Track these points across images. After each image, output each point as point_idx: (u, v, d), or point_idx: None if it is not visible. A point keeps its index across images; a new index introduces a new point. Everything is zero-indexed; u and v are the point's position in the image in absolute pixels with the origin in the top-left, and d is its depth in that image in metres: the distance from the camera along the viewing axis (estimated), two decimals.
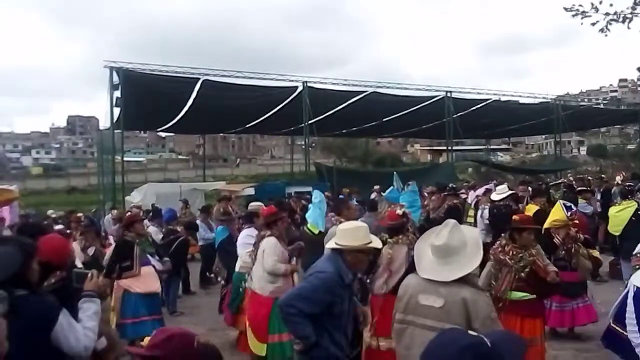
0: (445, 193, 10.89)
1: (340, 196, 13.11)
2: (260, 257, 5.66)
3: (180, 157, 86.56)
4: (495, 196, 9.68)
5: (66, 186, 52.66)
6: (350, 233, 3.73)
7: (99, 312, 2.97)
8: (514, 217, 5.40)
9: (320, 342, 3.53)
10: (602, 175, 19.48)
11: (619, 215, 8.31)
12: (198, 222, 11.13)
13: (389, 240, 5.43)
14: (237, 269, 6.66)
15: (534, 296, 4.93)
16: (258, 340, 5.51)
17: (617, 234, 8.25)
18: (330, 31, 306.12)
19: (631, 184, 10.69)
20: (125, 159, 23.50)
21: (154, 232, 9.86)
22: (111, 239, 9.21)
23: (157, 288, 6.73)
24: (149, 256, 6.75)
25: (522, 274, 4.88)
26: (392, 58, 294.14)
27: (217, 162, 71.90)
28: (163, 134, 78.19)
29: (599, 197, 12.09)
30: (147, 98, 19.00)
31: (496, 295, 4.82)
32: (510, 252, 4.97)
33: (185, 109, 21.47)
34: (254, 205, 7.98)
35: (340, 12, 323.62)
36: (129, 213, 9.00)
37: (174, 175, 52.56)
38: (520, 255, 4.95)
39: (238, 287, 6.52)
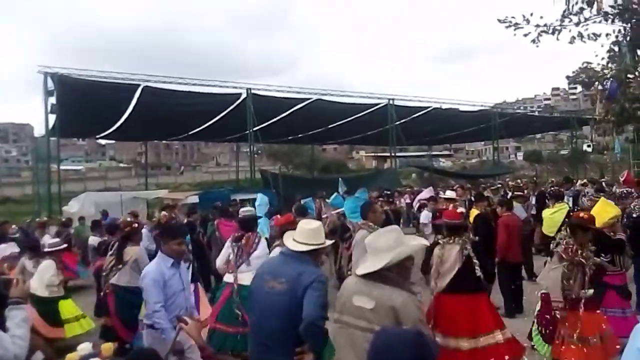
0: (380, 199, 11.04)
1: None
2: None
3: (121, 165, 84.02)
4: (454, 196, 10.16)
5: None
6: (316, 232, 3.71)
7: (27, 319, 2.83)
8: (581, 215, 5.25)
9: None
10: (536, 180, 20.36)
11: (554, 217, 8.62)
12: (144, 231, 10.79)
13: (441, 240, 5.51)
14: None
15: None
16: None
17: (552, 234, 8.53)
18: (275, 38, 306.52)
19: (559, 187, 11.19)
20: (62, 167, 22.59)
21: (95, 242, 9.51)
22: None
23: None
24: None
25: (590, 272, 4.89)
26: (337, 66, 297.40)
27: (160, 170, 70.29)
28: (103, 142, 75.81)
29: (533, 200, 12.57)
30: (84, 104, 18.44)
31: (571, 296, 4.82)
32: (578, 252, 4.95)
33: (125, 115, 20.95)
34: (247, 210, 7.52)
35: (285, 19, 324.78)
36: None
37: (115, 184, 50.83)
38: (588, 253, 4.95)
39: None
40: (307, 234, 3.67)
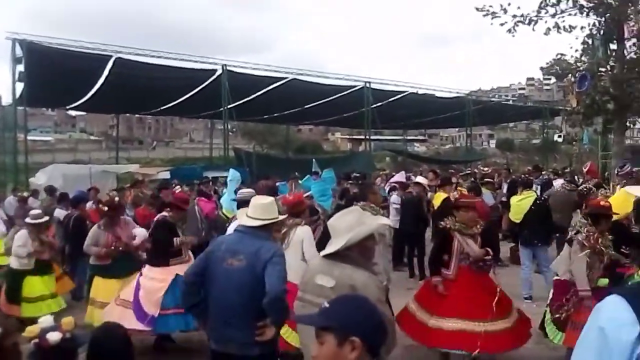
0: (350, 182, 11.04)
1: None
2: (297, 247, 5.32)
3: (92, 137, 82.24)
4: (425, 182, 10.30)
5: None
6: (269, 207, 3.76)
7: None
8: (602, 203, 5.12)
9: None
10: (509, 168, 20.74)
11: (520, 204, 8.77)
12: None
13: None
14: None
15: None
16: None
17: (518, 221, 8.71)
18: (254, 16, 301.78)
19: (529, 175, 11.39)
20: (29, 137, 22.03)
21: (61, 215, 9.32)
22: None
23: None
24: None
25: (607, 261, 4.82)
26: (314, 47, 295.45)
27: (132, 144, 69.06)
28: (73, 113, 74.16)
29: (505, 188, 12.76)
30: (54, 74, 17.94)
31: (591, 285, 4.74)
32: (599, 240, 4.86)
33: (97, 87, 20.43)
34: (245, 192, 7.46)
35: None
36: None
37: (85, 157, 49.85)
38: (608, 242, 4.87)
39: None
40: (260, 209, 3.69)
